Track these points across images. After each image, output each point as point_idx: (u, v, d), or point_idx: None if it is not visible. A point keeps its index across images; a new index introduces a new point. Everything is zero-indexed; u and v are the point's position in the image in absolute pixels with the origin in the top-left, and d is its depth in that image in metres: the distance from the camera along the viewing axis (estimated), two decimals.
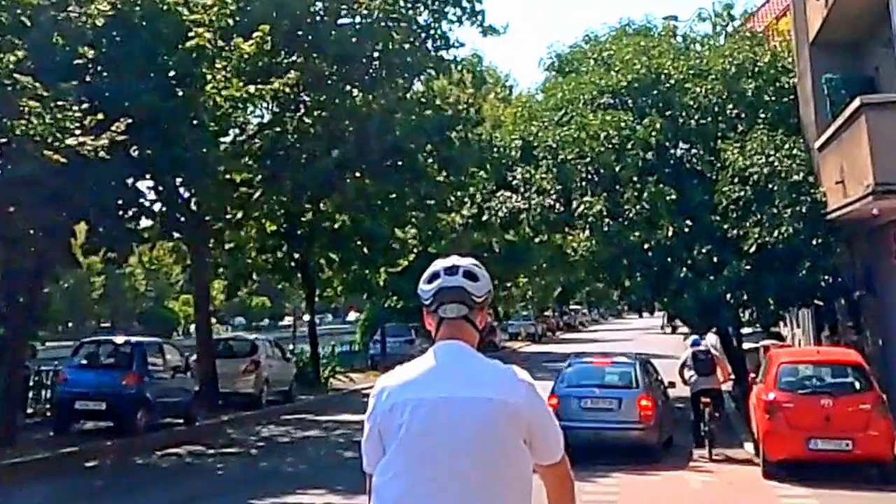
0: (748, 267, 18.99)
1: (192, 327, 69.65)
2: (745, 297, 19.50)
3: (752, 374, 17.18)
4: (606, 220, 19.71)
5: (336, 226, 28.85)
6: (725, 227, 19.51)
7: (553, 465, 2.97)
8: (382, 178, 22.83)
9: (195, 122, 17.51)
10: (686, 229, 19.52)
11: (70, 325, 68.13)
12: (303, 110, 22.81)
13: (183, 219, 22.33)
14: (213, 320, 79.38)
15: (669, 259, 19.70)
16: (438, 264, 3.03)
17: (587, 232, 20.06)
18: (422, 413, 2.78)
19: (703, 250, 19.43)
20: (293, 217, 27.06)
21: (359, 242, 29.56)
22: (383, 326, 36.83)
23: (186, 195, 22.03)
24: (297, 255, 29.23)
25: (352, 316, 73.12)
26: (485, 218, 23.47)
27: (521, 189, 22.22)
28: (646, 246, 19.43)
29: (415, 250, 31.88)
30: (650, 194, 19.66)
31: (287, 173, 22.12)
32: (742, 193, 19.45)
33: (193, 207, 22.07)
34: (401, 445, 2.78)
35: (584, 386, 16.00)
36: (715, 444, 16.16)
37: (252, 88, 18.35)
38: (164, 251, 33.72)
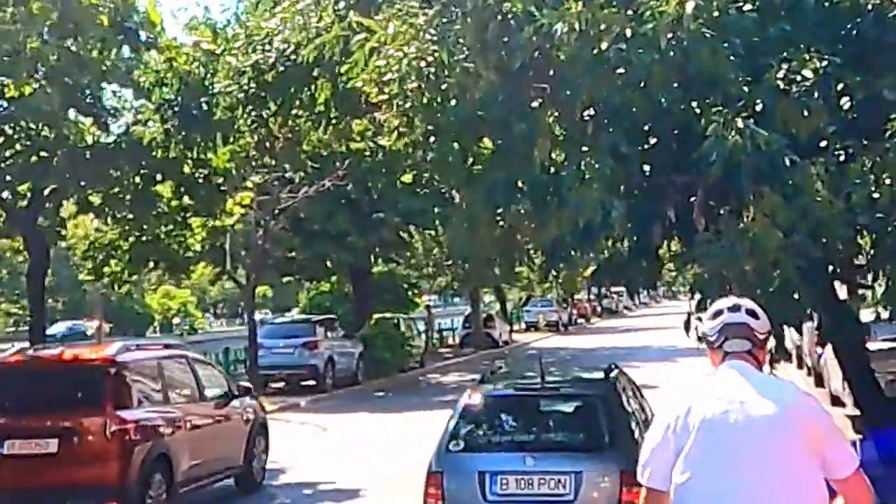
0: None
1: (176, 323, 57.77)
2: None
3: None
4: None
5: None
6: None
7: (846, 478, 3.13)
8: None
9: None
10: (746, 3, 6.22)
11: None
12: None
13: None
14: (204, 314, 66.64)
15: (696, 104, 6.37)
16: (722, 303, 3.33)
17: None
18: (719, 424, 3.08)
19: (804, 69, 6.16)
20: None
21: (143, 175, 16.73)
22: (251, 323, 23.33)
23: None
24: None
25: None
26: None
27: None
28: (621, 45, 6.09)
29: (243, 186, 18.39)
30: None
31: None
32: None
33: None
34: (699, 451, 3.09)
35: (500, 448, 7.27)
36: None
37: None
38: None
